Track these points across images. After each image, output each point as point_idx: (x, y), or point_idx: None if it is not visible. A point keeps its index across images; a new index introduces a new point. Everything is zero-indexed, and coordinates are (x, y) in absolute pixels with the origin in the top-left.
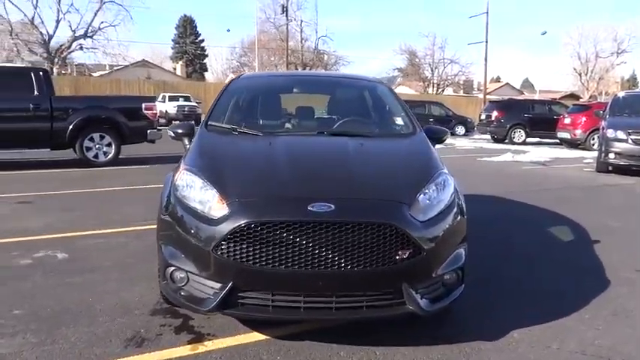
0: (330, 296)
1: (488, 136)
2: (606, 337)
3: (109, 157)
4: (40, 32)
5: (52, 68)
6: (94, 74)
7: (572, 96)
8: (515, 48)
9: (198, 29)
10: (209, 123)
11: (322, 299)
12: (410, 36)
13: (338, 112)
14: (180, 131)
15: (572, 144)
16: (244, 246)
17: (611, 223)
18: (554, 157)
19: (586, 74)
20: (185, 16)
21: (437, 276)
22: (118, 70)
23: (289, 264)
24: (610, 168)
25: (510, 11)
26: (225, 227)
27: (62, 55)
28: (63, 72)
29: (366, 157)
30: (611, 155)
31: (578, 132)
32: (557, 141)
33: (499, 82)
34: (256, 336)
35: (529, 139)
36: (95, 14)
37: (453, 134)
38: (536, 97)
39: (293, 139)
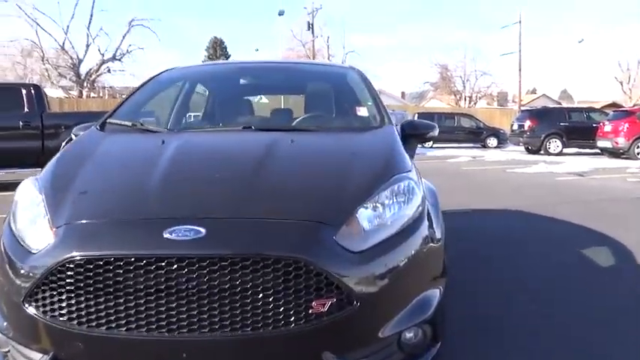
0: None
1: (522, 148)
2: None
3: None
4: (70, 57)
5: (81, 91)
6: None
7: (614, 105)
8: (551, 58)
9: (227, 50)
10: (108, 121)
11: None
12: (440, 49)
13: (290, 104)
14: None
15: (615, 153)
16: (64, 297)
17: None
18: (593, 168)
19: (628, 82)
20: (215, 37)
21: (386, 337)
22: None
23: (132, 325)
24: None
25: (544, 20)
26: (40, 266)
27: (91, 79)
28: (93, 95)
29: (292, 158)
30: None
31: (621, 140)
32: (598, 151)
33: (535, 93)
34: None
35: (566, 150)
36: (123, 37)
37: (485, 146)
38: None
39: (197, 138)
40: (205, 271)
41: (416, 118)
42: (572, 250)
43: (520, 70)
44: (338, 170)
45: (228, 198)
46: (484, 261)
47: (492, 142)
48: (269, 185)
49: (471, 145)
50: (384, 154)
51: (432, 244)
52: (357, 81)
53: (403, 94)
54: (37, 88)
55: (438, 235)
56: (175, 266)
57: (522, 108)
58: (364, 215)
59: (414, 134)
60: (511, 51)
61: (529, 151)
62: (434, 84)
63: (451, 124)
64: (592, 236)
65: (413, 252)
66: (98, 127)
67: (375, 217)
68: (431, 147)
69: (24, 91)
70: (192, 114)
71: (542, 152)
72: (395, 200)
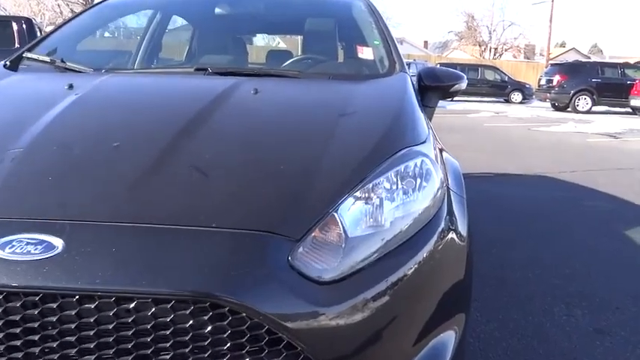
0: None
1: (547, 105)
2: None
3: None
4: None
5: None
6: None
7: None
8: (582, 10)
9: None
10: (24, 55)
11: None
12: None
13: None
14: None
15: None
16: None
17: None
18: (626, 129)
19: None
20: None
21: None
22: None
23: None
24: None
25: None
26: None
27: None
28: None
29: (243, 121)
30: None
31: None
32: (630, 110)
33: (564, 47)
34: None
35: (595, 108)
36: None
37: (509, 101)
38: None
39: (120, 84)
40: (54, 318)
41: None
42: (617, 233)
43: (551, 21)
44: (312, 142)
45: (116, 188)
46: (506, 254)
47: (517, 97)
48: (192, 168)
49: (494, 99)
50: (387, 117)
51: (452, 261)
52: (364, 14)
53: (426, 43)
54: (29, 21)
55: (462, 241)
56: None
57: (551, 62)
58: (349, 213)
59: (434, 87)
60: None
61: (555, 108)
62: (458, 33)
63: (474, 77)
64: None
65: (423, 276)
66: (8, 62)
67: (366, 216)
68: (451, 100)
69: (15, 26)
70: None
71: (569, 109)
72: (400, 189)
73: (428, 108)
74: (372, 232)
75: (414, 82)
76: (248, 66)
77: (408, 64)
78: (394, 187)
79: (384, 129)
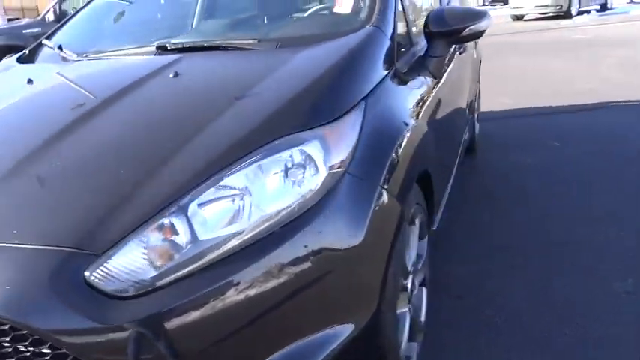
0: None
1: None
2: None
3: None
4: None
5: None
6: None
7: None
8: None
9: None
10: (43, 42)
11: None
12: None
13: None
14: None
15: None
16: None
17: None
18: None
19: None
20: None
21: None
22: None
23: None
24: None
25: None
26: None
27: None
28: None
29: (128, 120)
30: None
31: None
32: None
33: None
34: None
35: None
36: None
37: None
38: None
39: (73, 73)
40: None
41: None
42: None
43: None
44: (180, 135)
45: None
46: None
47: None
48: (36, 177)
49: None
50: (286, 96)
51: (330, 260)
52: None
53: None
54: None
55: (352, 237)
56: None
57: None
58: (196, 214)
59: (441, 32)
60: None
61: None
62: None
63: None
64: None
65: (284, 278)
66: (27, 51)
67: (217, 216)
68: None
69: None
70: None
71: None
72: (263, 183)
73: (433, 59)
74: (224, 234)
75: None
76: (200, 35)
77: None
78: (258, 181)
79: (271, 112)
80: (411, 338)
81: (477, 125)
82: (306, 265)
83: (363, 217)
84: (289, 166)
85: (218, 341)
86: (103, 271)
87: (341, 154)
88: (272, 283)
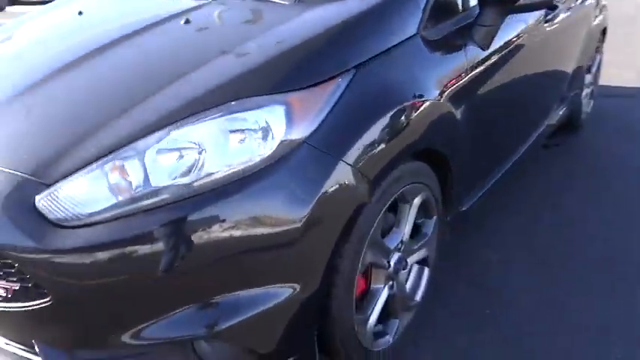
0: None
1: None
2: None
3: None
4: None
5: None
6: None
7: None
8: None
9: None
10: None
11: None
12: None
13: None
14: None
15: None
16: None
17: None
18: None
19: None
20: None
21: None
22: None
23: None
24: None
25: None
26: None
27: None
28: None
29: (127, 63)
30: None
31: None
32: None
33: None
34: None
35: None
36: None
37: None
38: None
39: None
40: None
41: None
42: None
43: None
44: (159, 81)
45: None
46: None
47: None
48: (34, 104)
49: None
50: (278, 52)
51: (275, 224)
52: None
53: None
54: None
55: (301, 207)
56: None
57: None
58: (148, 160)
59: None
60: None
61: None
62: None
63: None
64: None
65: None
66: None
67: (166, 165)
68: None
69: None
70: None
71: None
72: (216, 140)
73: (482, 28)
74: (173, 183)
75: None
76: None
77: None
78: (213, 139)
79: (245, 71)
80: (391, 315)
81: (591, 102)
82: (243, 226)
83: (313, 191)
84: (242, 128)
85: (143, 285)
86: (49, 200)
87: (304, 123)
88: (204, 239)
